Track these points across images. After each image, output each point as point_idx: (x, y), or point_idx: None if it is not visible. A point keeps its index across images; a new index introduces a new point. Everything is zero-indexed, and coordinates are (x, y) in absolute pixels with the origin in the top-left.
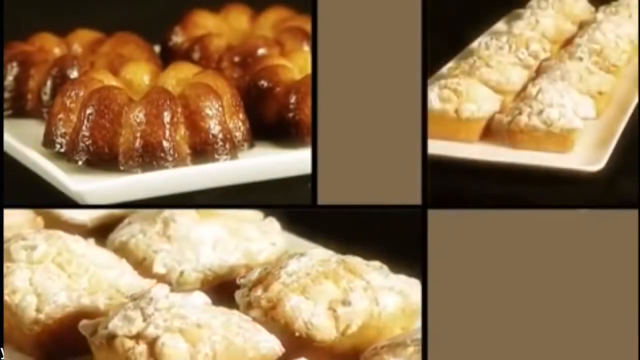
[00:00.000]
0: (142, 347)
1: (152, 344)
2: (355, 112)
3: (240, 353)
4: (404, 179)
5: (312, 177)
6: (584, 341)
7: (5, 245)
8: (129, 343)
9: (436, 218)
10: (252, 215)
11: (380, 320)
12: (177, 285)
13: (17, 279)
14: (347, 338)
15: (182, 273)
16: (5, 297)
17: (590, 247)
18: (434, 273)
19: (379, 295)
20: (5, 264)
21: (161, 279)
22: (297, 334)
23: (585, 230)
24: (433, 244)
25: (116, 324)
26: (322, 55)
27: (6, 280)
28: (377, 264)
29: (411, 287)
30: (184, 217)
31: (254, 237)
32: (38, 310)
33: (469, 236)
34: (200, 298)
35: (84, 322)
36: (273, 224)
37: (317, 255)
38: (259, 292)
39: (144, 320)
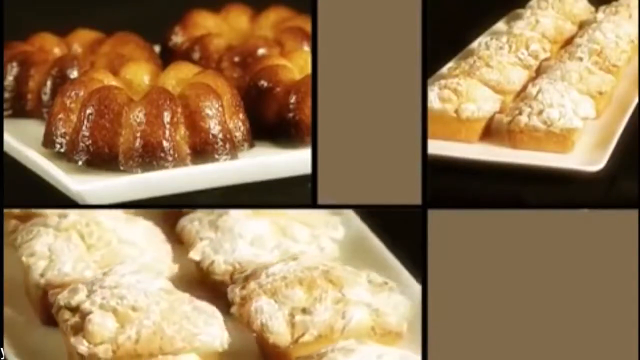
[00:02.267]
0: (74, 320)
1: (83, 318)
2: (355, 112)
3: (167, 341)
4: (404, 179)
5: (312, 177)
6: (584, 341)
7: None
8: (67, 315)
9: (436, 218)
10: (319, 217)
11: (343, 334)
12: (206, 273)
13: (38, 243)
14: (302, 346)
15: (212, 262)
16: (23, 258)
17: (590, 247)
18: (434, 273)
19: (349, 309)
20: (37, 227)
21: (195, 265)
22: (254, 334)
23: (585, 230)
24: (433, 244)
25: (64, 295)
26: (322, 55)
27: (30, 243)
28: (380, 279)
29: (395, 308)
30: (238, 211)
31: (301, 239)
32: (42, 275)
33: (469, 236)
34: (159, 283)
35: (53, 290)
36: (334, 231)
37: (308, 261)
38: (237, 289)
39: (88, 295)
